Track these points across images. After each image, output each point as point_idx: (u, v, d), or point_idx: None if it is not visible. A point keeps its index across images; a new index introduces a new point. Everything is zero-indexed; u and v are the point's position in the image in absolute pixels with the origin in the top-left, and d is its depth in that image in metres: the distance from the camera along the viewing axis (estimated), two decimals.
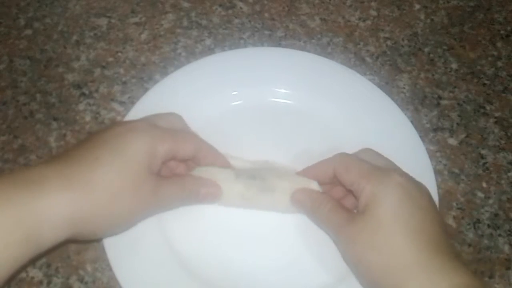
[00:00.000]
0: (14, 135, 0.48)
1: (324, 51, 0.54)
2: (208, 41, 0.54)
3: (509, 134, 0.50)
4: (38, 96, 0.50)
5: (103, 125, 0.48)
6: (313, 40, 0.55)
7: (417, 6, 0.59)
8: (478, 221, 0.45)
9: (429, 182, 0.43)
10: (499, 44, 0.56)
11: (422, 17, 0.58)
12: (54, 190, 0.31)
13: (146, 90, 0.50)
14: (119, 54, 0.53)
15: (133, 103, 0.49)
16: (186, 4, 0.57)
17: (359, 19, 0.57)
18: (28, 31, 0.55)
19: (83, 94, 0.50)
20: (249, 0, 0.58)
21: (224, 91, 0.48)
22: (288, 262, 0.41)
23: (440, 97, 0.52)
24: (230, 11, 0.57)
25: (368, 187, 0.35)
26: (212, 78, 0.48)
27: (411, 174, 0.38)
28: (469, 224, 0.45)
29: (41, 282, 0.40)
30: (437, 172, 0.45)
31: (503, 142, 0.50)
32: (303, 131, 0.47)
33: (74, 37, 0.54)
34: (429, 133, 0.49)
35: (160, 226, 0.41)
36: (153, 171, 0.36)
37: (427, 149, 0.46)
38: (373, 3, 0.59)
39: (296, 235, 0.42)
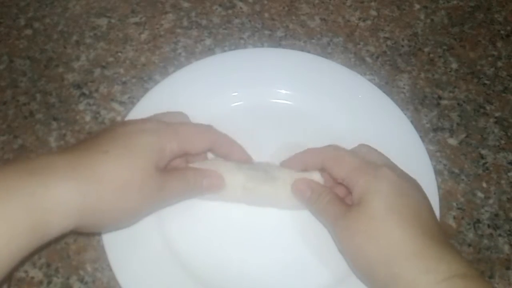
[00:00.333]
0: (14, 135, 0.48)
1: (324, 51, 0.54)
2: (208, 41, 0.54)
3: (509, 134, 0.50)
4: (38, 96, 0.50)
5: (103, 125, 0.48)
6: (313, 40, 0.55)
7: (417, 6, 0.59)
8: (478, 221, 0.45)
9: (429, 182, 0.43)
10: (499, 44, 0.56)
11: (422, 17, 0.58)
12: (62, 179, 0.31)
13: (146, 90, 0.50)
14: (119, 54, 0.53)
15: (133, 103, 0.49)
16: (186, 4, 0.57)
17: (359, 19, 0.57)
18: (28, 31, 0.55)
19: (83, 94, 0.50)
20: (249, 0, 0.58)
21: (225, 92, 0.48)
22: (287, 263, 0.41)
23: (440, 97, 0.52)
24: (230, 11, 0.57)
25: (361, 181, 0.36)
26: (212, 79, 0.48)
27: (411, 174, 0.38)
28: (469, 224, 0.45)
29: (41, 282, 0.40)
30: (437, 172, 0.45)
31: (503, 142, 0.50)
32: (303, 132, 0.47)
33: (74, 37, 0.54)
34: (429, 133, 0.49)
35: (160, 226, 0.41)
36: (160, 168, 0.36)
37: (427, 149, 0.46)
38: (373, 3, 0.59)
39: (295, 235, 0.42)
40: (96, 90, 0.50)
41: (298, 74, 0.49)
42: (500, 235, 0.44)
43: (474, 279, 0.32)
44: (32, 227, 0.30)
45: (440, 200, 0.43)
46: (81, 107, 0.49)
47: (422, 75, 0.53)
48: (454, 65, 0.54)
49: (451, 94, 0.52)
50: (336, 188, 0.41)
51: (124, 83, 0.51)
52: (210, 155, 0.43)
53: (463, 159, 0.48)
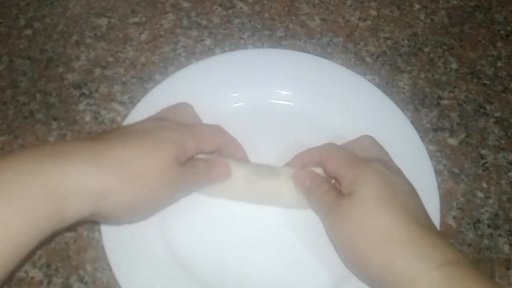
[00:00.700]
0: (14, 135, 0.48)
1: (324, 51, 0.54)
2: (208, 41, 0.54)
3: (509, 134, 0.50)
4: (38, 96, 0.50)
5: (103, 125, 0.48)
6: (313, 40, 0.55)
7: (417, 6, 0.59)
8: (478, 221, 0.45)
9: (429, 182, 0.43)
10: (499, 44, 0.56)
11: (422, 17, 0.58)
12: (82, 164, 0.31)
13: (146, 90, 0.50)
14: (119, 54, 0.53)
15: (133, 103, 0.49)
16: (186, 4, 0.57)
17: (359, 19, 0.57)
18: (28, 31, 0.55)
19: (83, 94, 0.50)
20: (249, 0, 0.58)
21: (225, 93, 0.48)
22: (287, 264, 0.41)
23: (440, 97, 0.52)
24: (230, 11, 0.57)
25: (351, 173, 0.36)
26: (213, 80, 0.48)
27: (411, 174, 0.38)
28: (469, 224, 0.45)
29: (41, 282, 0.40)
30: (437, 172, 0.45)
31: (503, 142, 0.50)
32: (304, 132, 0.47)
33: (74, 37, 0.54)
34: (429, 133, 0.49)
35: (160, 226, 0.41)
36: (180, 162, 0.36)
37: (427, 149, 0.46)
38: (373, 3, 0.59)
39: (295, 236, 0.42)
40: (96, 90, 0.50)
41: (298, 75, 0.49)
42: (500, 235, 0.44)
43: (469, 267, 0.31)
44: (51, 210, 0.29)
45: (440, 200, 0.43)
46: (81, 107, 0.49)
47: (422, 75, 0.53)
48: (454, 65, 0.54)
49: (451, 94, 0.52)
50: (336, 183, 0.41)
51: (124, 83, 0.51)
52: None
53: (463, 159, 0.48)
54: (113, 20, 0.56)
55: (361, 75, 0.50)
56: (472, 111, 0.51)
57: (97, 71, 0.52)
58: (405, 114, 0.47)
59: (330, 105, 0.48)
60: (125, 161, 0.33)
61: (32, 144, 0.47)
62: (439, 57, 0.55)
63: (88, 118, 0.49)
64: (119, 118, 0.49)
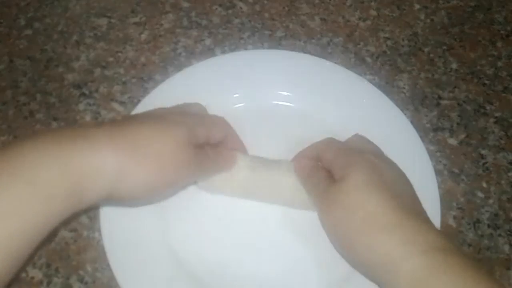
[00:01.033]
0: (14, 135, 0.48)
1: (324, 51, 0.54)
2: (208, 41, 0.54)
3: (509, 134, 0.50)
4: (38, 96, 0.50)
5: None
6: (313, 40, 0.55)
7: (417, 6, 0.59)
8: (478, 221, 0.45)
9: (429, 182, 0.43)
10: (499, 44, 0.56)
11: (422, 17, 0.58)
12: (100, 145, 0.32)
13: (146, 90, 0.50)
14: (119, 54, 0.53)
15: (133, 103, 0.49)
16: (186, 4, 0.57)
17: (359, 19, 0.57)
18: (28, 31, 0.55)
19: (83, 94, 0.50)
20: (249, 0, 0.58)
21: (226, 94, 0.48)
22: (287, 263, 0.41)
23: (440, 97, 0.52)
24: (230, 11, 0.57)
25: (342, 161, 0.37)
26: (213, 81, 0.48)
27: (411, 174, 0.38)
28: (469, 224, 0.45)
29: (41, 282, 0.40)
30: (437, 172, 0.45)
31: (503, 142, 0.50)
32: (304, 133, 0.46)
33: (74, 37, 0.54)
34: (429, 133, 0.49)
35: (160, 226, 0.41)
36: (192, 145, 0.37)
37: (427, 149, 0.46)
38: (373, 3, 0.59)
39: (295, 237, 0.42)
40: (96, 90, 0.51)
41: (299, 76, 0.49)
42: (500, 235, 0.44)
43: (455, 254, 0.31)
44: (69, 192, 0.30)
45: (440, 200, 0.43)
46: (81, 107, 0.49)
47: (422, 75, 0.53)
48: (454, 65, 0.54)
49: (451, 94, 0.52)
50: None
51: (124, 83, 0.51)
52: None
53: (463, 159, 0.48)
54: (113, 20, 0.56)
55: (361, 75, 0.50)
56: (472, 111, 0.51)
57: (97, 71, 0.52)
58: (405, 114, 0.47)
59: (330, 106, 0.48)
60: (141, 142, 0.33)
61: None
62: (439, 57, 0.55)
63: (88, 118, 0.49)
64: (119, 118, 0.49)
